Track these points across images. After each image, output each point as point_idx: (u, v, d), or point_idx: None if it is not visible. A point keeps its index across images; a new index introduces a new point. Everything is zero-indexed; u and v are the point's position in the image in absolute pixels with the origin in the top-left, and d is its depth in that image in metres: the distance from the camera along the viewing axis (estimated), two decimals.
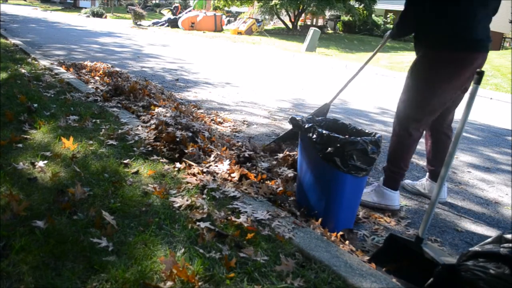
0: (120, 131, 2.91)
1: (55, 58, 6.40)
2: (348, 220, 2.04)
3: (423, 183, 2.65)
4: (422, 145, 3.88)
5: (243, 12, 25.37)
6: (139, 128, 3.03)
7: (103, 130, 2.91)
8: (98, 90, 4.15)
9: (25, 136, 2.62)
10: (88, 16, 22.78)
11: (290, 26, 20.76)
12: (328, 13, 21.90)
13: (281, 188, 2.26)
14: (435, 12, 2.09)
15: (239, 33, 18.02)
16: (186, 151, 2.54)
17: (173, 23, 18.79)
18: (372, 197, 2.40)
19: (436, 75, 2.15)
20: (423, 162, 3.36)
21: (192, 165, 2.42)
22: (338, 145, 1.86)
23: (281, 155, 2.66)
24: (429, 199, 2.46)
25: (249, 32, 18.30)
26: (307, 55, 11.95)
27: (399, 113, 2.34)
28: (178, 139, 2.64)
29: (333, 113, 4.80)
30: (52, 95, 3.75)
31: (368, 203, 2.40)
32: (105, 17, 23.36)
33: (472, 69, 2.11)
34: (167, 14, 21.13)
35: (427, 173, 2.63)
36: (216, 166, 2.42)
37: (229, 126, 3.76)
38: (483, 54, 2.14)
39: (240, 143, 2.93)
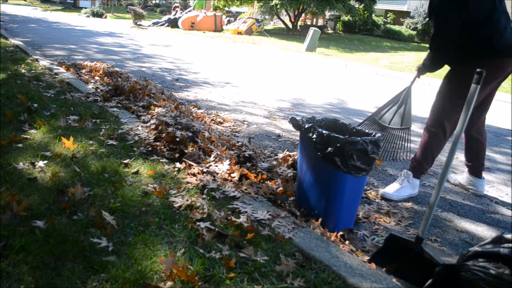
0: (120, 131, 2.91)
1: (55, 58, 6.40)
2: (348, 220, 2.05)
3: (464, 177, 2.83)
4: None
5: (243, 12, 25.36)
6: (139, 128, 3.03)
7: (103, 130, 2.91)
8: (98, 90, 4.15)
9: (25, 136, 2.62)
10: (88, 16, 22.77)
11: (290, 26, 20.76)
12: (328, 13, 21.89)
13: (281, 188, 2.26)
14: (467, 31, 2.21)
15: (239, 33, 18.01)
16: (186, 151, 2.54)
17: (173, 23, 18.78)
18: (409, 191, 2.56)
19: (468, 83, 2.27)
20: None
21: (192, 165, 2.42)
22: (338, 145, 1.86)
23: (280, 155, 2.66)
24: (468, 191, 2.79)
25: (249, 32, 18.30)
26: (307, 55, 11.95)
27: (436, 113, 2.48)
28: (178, 139, 2.64)
29: (333, 113, 4.80)
30: (52, 95, 3.75)
31: (405, 197, 2.54)
32: (105, 17, 23.35)
33: (506, 73, 2.31)
34: (179, 11, 21.01)
35: (467, 168, 2.81)
36: (216, 166, 2.43)
37: (229, 126, 3.76)
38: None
39: (240, 143, 2.93)
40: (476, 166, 2.73)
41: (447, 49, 2.29)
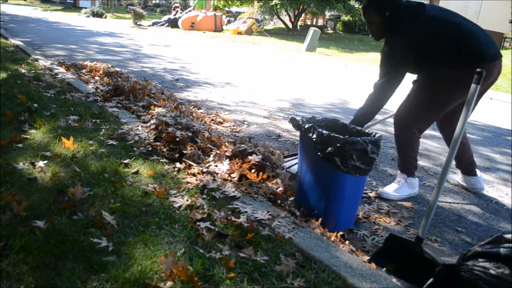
0: (120, 131, 2.91)
1: (55, 58, 6.40)
2: (348, 220, 2.04)
3: (461, 177, 2.86)
4: (420, 144, 3.88)
5: (243, 12, 25.37)
6: (139, 128, 3.03)
7: (103, 130, 2.91)
8: (98, 90, 4.15)
9: (25, 136, 2.62)
10: (88, 16, 22.77)
11: (290, 26, 20.76)
12: (328, 13, 21.89)
13: (281, 188, 2.26)
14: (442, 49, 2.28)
15: (239, 33, 18.01)
16: (185, 152, 2.54)
17: (173, 23, 18.79)
18: (407, 191, 2.57)
19: (447, 89, 2.33)
20: (423, 162, 3.36)
21: (192, 165, 2.42)
22: (338, 145, 1.86)
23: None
24: (468, 191, 2.81)
25: (249, 32, 18.30)
26: (307, 55, 11.95)
27: (405, 117, 2.48)
28: (178, 139, 2.64)
29: (333, 113, 4.80)
30: (52, 95, 3.75)
31: (404, 197, 2.55)
32: (105, 17, 23.36)
33: (492, 79, 2.35)
34: (179, 11, 21.00)
35: (460, 170, 2.84)
36: (216, 166, 2.43)
37: (229, 126, 3.76)
38: (494, 63, 2.30)
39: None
40: (465, 167, 2.75)
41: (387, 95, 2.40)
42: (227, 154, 2.52)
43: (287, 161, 2.62)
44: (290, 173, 2.42)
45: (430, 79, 2.39)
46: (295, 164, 2.52)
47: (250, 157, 2.43)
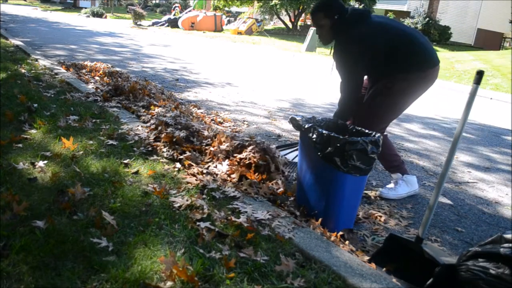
0: (120, 131, 2.91)
1: (55, 58, 6.40)
2: (348, 220, 2.04)
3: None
4: (419, 144, 3.89)
5: (243, 12, 25.37)
6: (139, 128, 3.03)
7: (103, 130, 2.91)
8: (98, 90, 4.15)
9: (25, 136, 2.62)
10: (88, 16, 22.78)
11: (290, 26, 20.76)
12: None
13: (281, 189, 2.26)
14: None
15: (239, 33, 18.01)
16: (182, 156, 2.54)
17: (173, 23, 18.79)
18: (406, 189, 2.57)
19: (402, 92, 2.38)
20: (423, 162, 3.36)
21: (192, 165, 2.42)
22: (338, 145, 1.86)
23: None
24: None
25: (249, 32, 18.30)
26: (307, 55, 11.95)
27: (368, 127, 2.43)
28: (174, 139, 2.64)
29: (333, 113, 4.80)
30: (52, 95, 3.75)
31: (403, 195, 2.56)
32: (105, 17, 23.36)
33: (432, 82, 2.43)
34: (178, 11, 21.02)
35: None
36: (215, 166, 2.43)
37: (229, 126, 3.76)
38: (437, 68, 2.41)
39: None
40: (395, 165, 2.62)
41: (353, 102, 2.41)
42: (221, 147, 2.51)
43: (280, 151, 2.64)
44: (286, 159, 2.43)
45: (384, 84, 2.39)
46: (289, 153, 2.56)
47: (248, 149, 2.42)
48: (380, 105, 2.41)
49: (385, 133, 2.58)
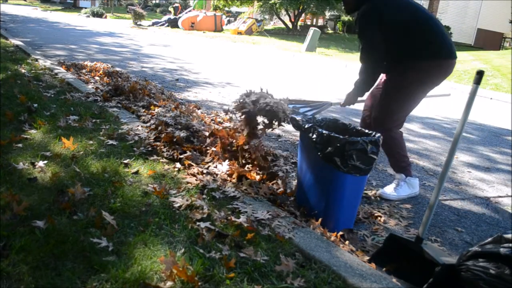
0: (120, 131, 2.91)
1: (55, 58, 6.40)
2: (348, 220, 2.04)
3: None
4: (419, 144, 3.89)
5: (243, 12, 25.37)
6: (139, 128, 3.03)
7: (103, 130, 2.91)
8: (98, 90, 4.15)
9: (25, 136, 2.62)
10: (88, 16, 22.77)
11: (290, 26, 20.75)
12: (328, 13, 21.89)
13: (281, 189, 2.26)
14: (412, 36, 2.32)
15: (239, 33, 18.01)
16: (182, 155, 2.54)
17: (173, 23, 18.79)
18: (407, 191, 2.57)
19: (416, 80, 2.37)
20: (423, 162, 3.36)
21: (192, 165, 2.42)
22: (338, 145, 1.86)
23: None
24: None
25: (249, 32, 18.30)
26: (307, 55, 11.95)
27: (383, 121, 2.49)
28: (174, 140, 2.64)
29: (333, 113, 4.80)
30: (52, 95, 3.75)
31: (403, 197, 2.55)
32: (105, 17, 23.36)
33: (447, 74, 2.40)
34: (169, 14, 21.09)
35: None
36: (215, 167, 2.42)
37: (229, 126, 3.75)
38: (455, 61, 2.39)
39: None
40: (403, 166, 2.62)
41: (375, 71, 2.38)
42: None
43: (291, 106, 2.63)
44: (295, 111, 2.42)
45: (398, 73, 2.39)
46: (300, 107, 2.62)
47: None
48: (394, 99, 2.40)
49: (400, 131, 2.57)
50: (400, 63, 2.38)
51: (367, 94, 2.61)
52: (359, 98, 2.60)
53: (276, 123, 2.39)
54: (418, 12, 2.33)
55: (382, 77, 2.56)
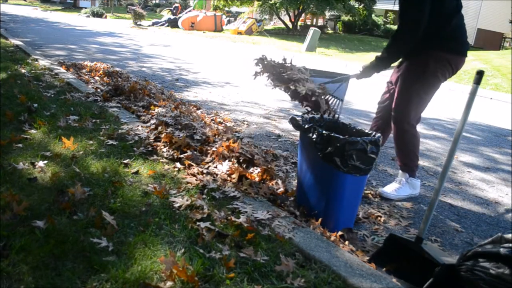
0: (120, 131, 2.91)
1: (55, 58, 6.40)
2: (348, 220, 2.04)
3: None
4: (420, 144, 3.89)
5: (243, 12, 25.37)
6: (139, 128, 3.03)
7: (103, 130, 2.91)
8: (98, 90, 4.15)
9: (25, 136, 2.62)
10: (88, 16, 22.78)
11: (290, 26, 20.75)
12: (328, 13, 21.89)
13: (281, 189, 2.26)
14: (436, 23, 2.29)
15: (239, 33, 18.01)
16: (182, 156, 2.54)
17: (173, 23, 18.80)
18: (408, 191, 2.57)
19: (434, 70, 2.38)
20: (423, 162, 3.36)
21: (192, 165, 2.42)
22: (338, 145, 1.86)
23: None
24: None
25: (249, 32, 18.30)
26: (307, 55, 11.95)
27: (403, 112, 2.49)
28: (174, 141, 2.64)
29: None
30: (52, 95, 3.75)
31: (404, 197, 2.55)
32: (105, 17, 23.36)
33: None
34: (167, 15, 21.16)
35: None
36: (215, 167, 2.43)
37: (229, 126, 3.75)
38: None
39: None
40: (410, 165, 2.61)
41: (412, 39, 2.30)
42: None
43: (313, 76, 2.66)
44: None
45: (417, 63, 2.40)
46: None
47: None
48: (415, 89, 2.41)
49: (415, 127, 2.54)
50: (423, 50, 2.35)
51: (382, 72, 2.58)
52: (375, 73, 2.59)
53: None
54: (459, 6, 2.35)
55: (393, 74, 2.59)
